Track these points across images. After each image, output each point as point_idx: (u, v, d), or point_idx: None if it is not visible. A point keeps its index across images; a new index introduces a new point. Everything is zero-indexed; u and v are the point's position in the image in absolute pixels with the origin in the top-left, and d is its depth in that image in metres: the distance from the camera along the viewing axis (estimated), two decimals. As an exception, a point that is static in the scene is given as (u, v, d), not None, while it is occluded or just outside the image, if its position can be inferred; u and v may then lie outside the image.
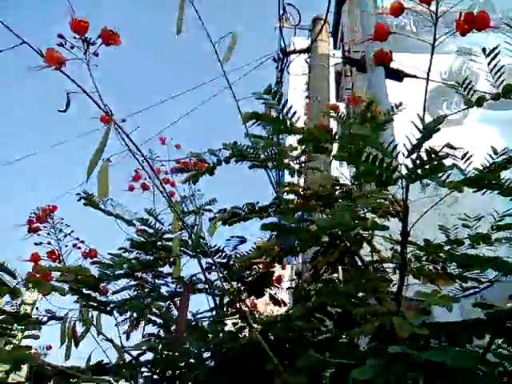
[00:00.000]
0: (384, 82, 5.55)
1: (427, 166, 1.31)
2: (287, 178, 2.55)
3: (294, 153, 2.08)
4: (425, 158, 1.24)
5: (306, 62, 6.72)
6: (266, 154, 1.99)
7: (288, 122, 1.44)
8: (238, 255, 2.35)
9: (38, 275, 1.82)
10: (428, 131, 1.15)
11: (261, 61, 6.63)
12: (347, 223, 1.63)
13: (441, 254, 1.69)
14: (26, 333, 1.69)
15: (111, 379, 1.58)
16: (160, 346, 1.59)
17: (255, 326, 1.57)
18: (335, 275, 2.04)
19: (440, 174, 1.63)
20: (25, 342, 1.90)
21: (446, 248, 1.73)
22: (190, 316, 2.36)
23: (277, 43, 6.79)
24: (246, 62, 6.29)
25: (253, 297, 2.52)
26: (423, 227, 1.87)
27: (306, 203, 2.09)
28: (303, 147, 1.91)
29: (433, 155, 1.21)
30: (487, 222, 1.75)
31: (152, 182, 3.02)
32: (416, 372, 0.98)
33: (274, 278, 2.30)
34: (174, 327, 1.82)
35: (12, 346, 1.37)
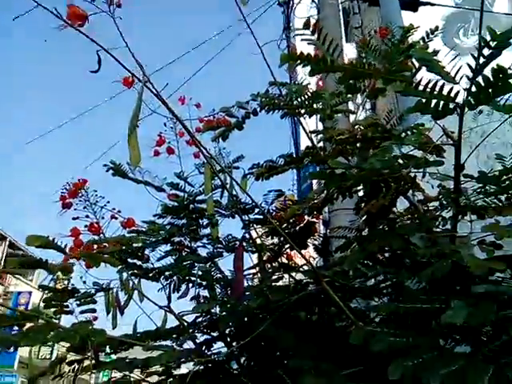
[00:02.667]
0: (400, 13, 5.22)
1: (490, 90, 1.19)
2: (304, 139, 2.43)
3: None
4: (491, 79, 1.12)
5: (313, 1, 6.36)
6: (298, 100, 1.88)
7: (329, 59, 1.31)
8: (275, 210, 2.29)
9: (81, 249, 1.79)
10: (499, 46, 1.02)
11: (264, 8, 6.29)
12: (399, 162, 1.54)
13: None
14: (82, 307, 1.69)
15: (174, 345, 1.58)
16: (218, 307, 1.57)
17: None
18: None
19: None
20: (80, 318, 1.91)
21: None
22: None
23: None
24: (250, 11, 5.98)
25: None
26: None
27: (345, 148, 1.99)
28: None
29: (501, 75, 1.09)
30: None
31: (177, 145, 2.97)
32: (507, 310, 0.92)
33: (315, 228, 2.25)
34: (231, 287, 1.80)
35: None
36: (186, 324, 1.77)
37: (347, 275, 1.62)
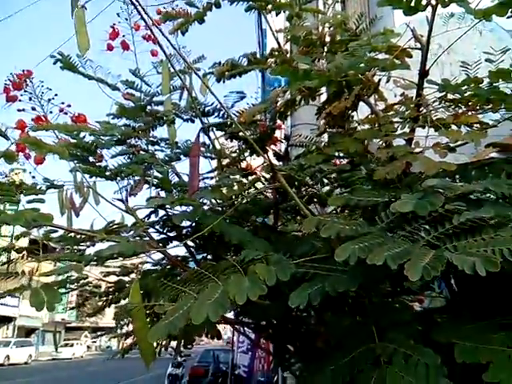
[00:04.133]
0: None
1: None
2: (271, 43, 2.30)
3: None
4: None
5: None
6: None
7: None
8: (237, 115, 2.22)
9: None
10: None
11: None
12: (366, 62, 1.49)
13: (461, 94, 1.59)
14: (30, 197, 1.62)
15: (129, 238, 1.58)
16: (172, 203, 1.56)
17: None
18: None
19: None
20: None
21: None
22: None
23: None
24: None
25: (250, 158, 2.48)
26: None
27: (312, 50, 1.90)
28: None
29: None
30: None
31: (133, 40, 2.74)
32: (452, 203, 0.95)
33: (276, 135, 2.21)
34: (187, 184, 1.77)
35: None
36: (141, 220, 1.76)
37: (303, 170, 1.62)
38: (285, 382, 6.07)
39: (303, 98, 1.91)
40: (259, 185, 2.01)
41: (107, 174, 2.22)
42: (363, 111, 1.97)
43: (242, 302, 0.93)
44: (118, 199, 1.86)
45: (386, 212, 1.02)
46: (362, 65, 1.49)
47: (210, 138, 2.30)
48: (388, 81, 1.62)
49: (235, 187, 1.37)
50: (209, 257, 2.00)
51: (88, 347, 38.30)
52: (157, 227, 2.10)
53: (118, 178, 2.28)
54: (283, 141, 2.67)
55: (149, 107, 2.66)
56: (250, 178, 1.81)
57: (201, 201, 1.56)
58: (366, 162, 1.76)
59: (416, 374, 0.92)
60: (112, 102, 2.64)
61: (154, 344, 1.61)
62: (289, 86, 1.57)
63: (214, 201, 1.73)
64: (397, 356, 0.97)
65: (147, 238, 1.81)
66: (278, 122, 2.36)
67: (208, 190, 1.39)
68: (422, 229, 0.94)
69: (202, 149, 2.46)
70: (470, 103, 1.50)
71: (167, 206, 1.69)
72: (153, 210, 1.80)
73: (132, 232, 1.71)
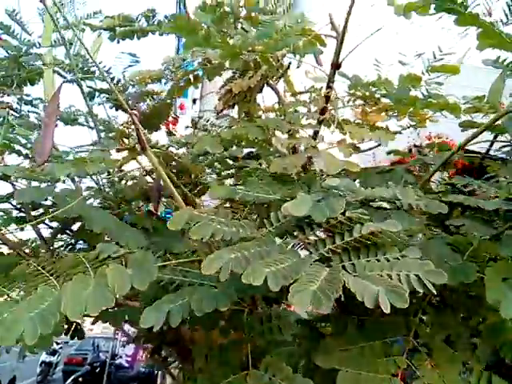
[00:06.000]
0: None
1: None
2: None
3: None
4: None
5: None
6: None
7: None
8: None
9: None
10: None
11: None
12: (275, 39, 1.31)
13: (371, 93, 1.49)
14: None
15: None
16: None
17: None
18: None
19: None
20: None
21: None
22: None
23: None
24: None
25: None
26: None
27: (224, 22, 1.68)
28: None
29: None
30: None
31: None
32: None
33: (171, 111, 1.95)
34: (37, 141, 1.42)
35: None
36: None
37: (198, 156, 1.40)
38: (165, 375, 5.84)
39: (206, 73, 1.69)
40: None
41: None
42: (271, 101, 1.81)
43: (75, 318, 0.68)
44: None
45: (277, 213, 0.85)
46: (272, 41, 1.31)
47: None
48: (299, 66, 1.47)
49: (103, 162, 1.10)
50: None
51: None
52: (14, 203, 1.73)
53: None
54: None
55: (24, 58, 2.22)
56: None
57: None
58: (268, 153, 1.60)
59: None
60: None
61: None
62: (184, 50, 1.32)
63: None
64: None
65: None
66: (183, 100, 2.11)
67: (70, 162, 1.09)
68: (317, 238, 0.78)
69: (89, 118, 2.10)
70: (377, 104, 1.40)
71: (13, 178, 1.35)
72: None
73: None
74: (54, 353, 12.13)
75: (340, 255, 0.73)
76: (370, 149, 1.70)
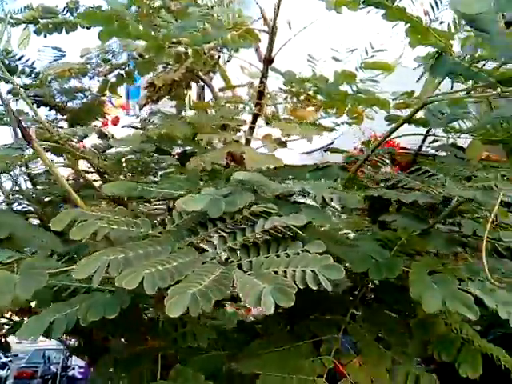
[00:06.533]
0: None
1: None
2: None
3: None
4: None
5: None
6: None
7: None
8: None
9: None
10: None
11: None
12: (202, 32, 1.25)
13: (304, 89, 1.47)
14: None
15: None
16: None
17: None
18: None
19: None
20: None
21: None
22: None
23: None
24: None
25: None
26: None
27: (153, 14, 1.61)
28: None
29: None
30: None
31: None
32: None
33: (105, 107, 1.86)
34: None
35: None
36: None
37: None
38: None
39: (137, 68, 1.61)
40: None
41: None
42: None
43: None
44: None
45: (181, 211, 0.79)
46: (199, 34, 1.26)
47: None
48: (229, 60, 1.42)
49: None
50: None
51: None
52: None
53: None
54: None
55: None
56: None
57: None
58: (203, 151, 1.54)
59: None
60: None
61: None
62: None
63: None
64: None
65: None
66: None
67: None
68: (220, 235, 0.73)
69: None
70: (310, 100, 1.38)
71: None
72: None
73: None
74: (3, 366, 11.49)
75: (241, 251, 0.68)
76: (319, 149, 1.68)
